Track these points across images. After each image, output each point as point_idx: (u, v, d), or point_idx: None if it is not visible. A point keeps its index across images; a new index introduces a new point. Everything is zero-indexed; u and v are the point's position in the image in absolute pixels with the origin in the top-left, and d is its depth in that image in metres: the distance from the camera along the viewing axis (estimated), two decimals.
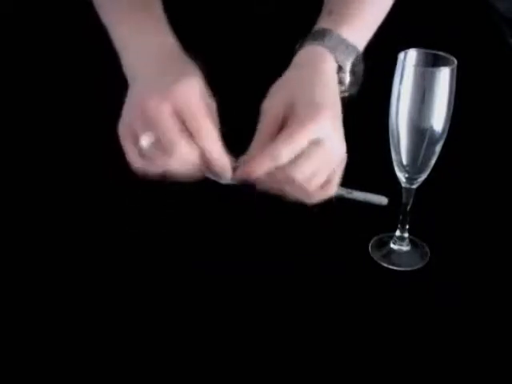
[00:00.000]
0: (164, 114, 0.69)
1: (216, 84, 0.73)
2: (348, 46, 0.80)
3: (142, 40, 0.77)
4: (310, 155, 0.70)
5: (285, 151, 0.69)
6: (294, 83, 0.75)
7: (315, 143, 0.70)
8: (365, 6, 0.84)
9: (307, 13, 0.85)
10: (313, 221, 0.80)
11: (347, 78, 0.81)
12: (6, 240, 0.81)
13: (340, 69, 0.79)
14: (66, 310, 0.74)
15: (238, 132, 0.75)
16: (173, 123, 0.69)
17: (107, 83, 0.88)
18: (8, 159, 0.90)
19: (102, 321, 0.73)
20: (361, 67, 0.82)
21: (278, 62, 0.83)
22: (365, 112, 0.85)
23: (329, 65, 0.78)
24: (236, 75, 0.95)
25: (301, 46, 0.79)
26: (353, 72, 0.81)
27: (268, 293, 0.76)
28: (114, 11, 0.83)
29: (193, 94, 0.70)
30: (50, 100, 0.97)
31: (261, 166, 0.69)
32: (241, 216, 0.82)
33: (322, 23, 0.81)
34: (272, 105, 0.73)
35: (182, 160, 0.70)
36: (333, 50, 0.78)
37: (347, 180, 0.77)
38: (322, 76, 0.76)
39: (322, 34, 0.79)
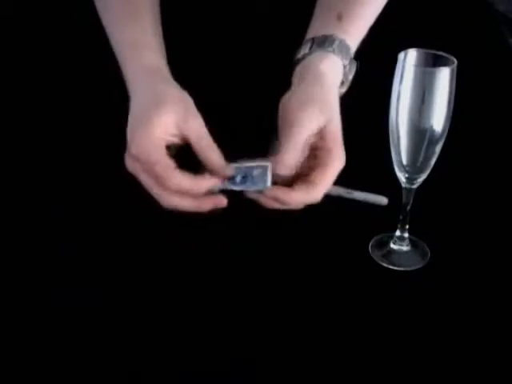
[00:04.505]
0: (137, 170, 0.74)
1: (216, 82, 0.73)
2: (352, 58, 0.81)
3: (138, 60, 0.79)
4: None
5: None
6: (328, 108, 0.76)
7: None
8: (367, 8, 0.84)
9: (308, 12, 0.85)
10: (313, 221, 0.80)
11: (345, 88, 0.83)
12: (6, 242, 0.81)
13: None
14: (65, 310, 0.74)
15: (238, 129, 0.75)
16: (147, 178, 0.73)
17: (107, 84, 0.88)
18: (8, 161, 0.90)
19: (101, 323, 0.73)
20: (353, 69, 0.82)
21: (279, 60, 0.83)
22: (365, 112, 0.85)
23: (339, 78, 0.80)
24: (236, 74, 0.95)
25: (313, 50, 0.80)
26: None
27: (268, 292, 0.76)
28: (116, 17, 0.84)
29: (147, 145, 0.72)
30: (51, 101, 0.97)
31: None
32: (241, 215, 0.82)
33: (333, 30, 0.81)
34: (309, 127, 0.74)
35: (177, 202, 0.73)
36: (343, 60, 0.80)
37: (347, 180, 0.77)
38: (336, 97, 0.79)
39: (338, 43, 0.80)
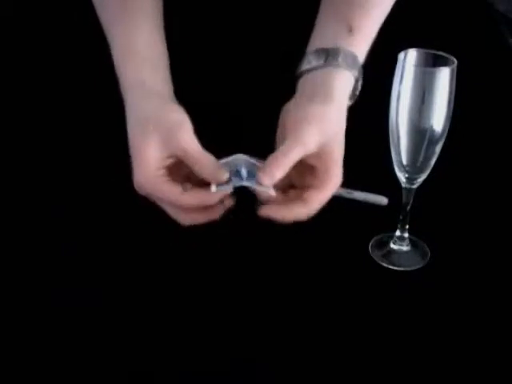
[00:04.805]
0: (151, 196, 0.74)
1: (217, 83, 0.73)
2: (361, 70, 0.80)
3: (130, 68, 0.80)
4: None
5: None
6: (329, 128, 0.75)
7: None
8: (374, 11, 0.83)
9: (312, 12, 0.85)
10: (313, 221, 0.80)
11: (353, 100, 0.82)
12: (6, 242, 0.81)
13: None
14: (65, 310, 0.74)
15: (237, 129, 0.75)
16: (160, 202, 0.74)
17: (108, 84, 0.88)
18: (8, 161, 0.90)
19: (101, 323, 0.73)
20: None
21: (281, 61, 0.83)
22: (365, 112, 0.85)
23: (348, 91, 0.79)
24: (237, 75, 0.95)
25: (319, 64, 0.78)
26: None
27: (268, 292, 0.76)
28: (113, 16, 0.83)
29: (147, 184, 0.73)
30: (51, 102, 0.97)
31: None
32: (241, 215, 0.82)
33: (341, 41, 0.80)
34: (308, 147, 0.73)
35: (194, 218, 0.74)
36: (353, 72, 0.79)
37: (347, 180, 0.77)
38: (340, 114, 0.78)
39: (352, 59, 0.79)
